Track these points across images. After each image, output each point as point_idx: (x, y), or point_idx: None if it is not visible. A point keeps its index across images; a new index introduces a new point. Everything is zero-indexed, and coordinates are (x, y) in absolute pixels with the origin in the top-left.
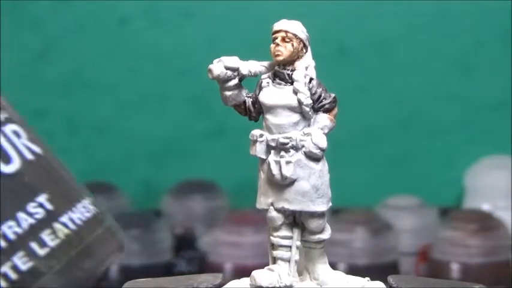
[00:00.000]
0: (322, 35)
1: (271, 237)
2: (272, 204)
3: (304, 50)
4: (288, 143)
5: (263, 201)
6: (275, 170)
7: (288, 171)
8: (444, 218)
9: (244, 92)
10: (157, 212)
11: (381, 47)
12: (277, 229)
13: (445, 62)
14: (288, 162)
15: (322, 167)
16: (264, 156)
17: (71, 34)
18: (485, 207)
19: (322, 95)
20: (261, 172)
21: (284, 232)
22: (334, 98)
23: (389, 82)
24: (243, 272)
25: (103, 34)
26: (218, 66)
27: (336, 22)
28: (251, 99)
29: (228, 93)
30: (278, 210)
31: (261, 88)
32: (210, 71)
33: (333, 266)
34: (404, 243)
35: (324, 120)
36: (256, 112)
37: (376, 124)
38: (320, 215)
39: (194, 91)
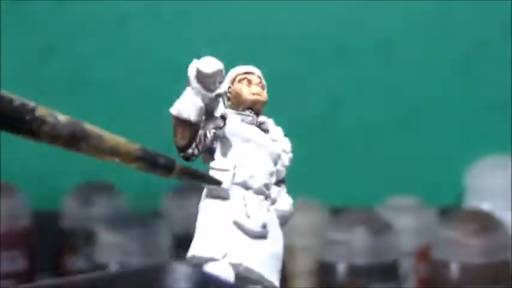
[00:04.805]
0: (322, 34)
1: None
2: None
3: None
4: (270, 189)
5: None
6: (254, 214)
7: (267, 220)
8: (444, 218)
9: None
10: (157, 212)
11: (381, 47)
12: None
13: (446, 61)
14: (268, 211)
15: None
16: (227, 187)
17: (71, 34)
18: (485, 207)
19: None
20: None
21: None
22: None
23: (390, 82)
24: None
25: (103, 34)
26: (220, 67)
27: (336, 22)
28: (214, 132)
29: (200, 103)
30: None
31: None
32: (209, 63)
33: (333, 265)
34: (404, 243)
35: (285, 191)
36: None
37: (376, 124)
38: None
39: None
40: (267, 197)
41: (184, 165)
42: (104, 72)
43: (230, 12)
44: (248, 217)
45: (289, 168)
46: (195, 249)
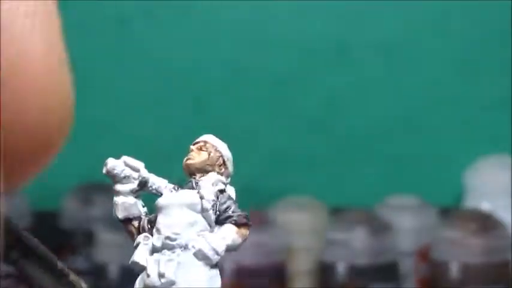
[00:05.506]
0: (322, 34)
1: None
2: None
3: (223, 169)
4: (175, 239)
5: None
6: (152, 270)
7: (167, 269)
8: (444, 218)
9: (140, 206)
10: None
11: (381, 47)
12: None
13: (446, 61)
14: (169, 260)
15: (214, 275)
16: (143, 263)
17: (71, 34)
18: (485, 206)
19: (232, 207)
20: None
21: None
22: (247, 216)
23: (390, 82)
24: (243, 272)
25: (103, 34)
26: (117, 161)
27: (336, 21)
28: (148, 218)
29: (120, 199)
30: None
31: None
32: (105, 163)
33: (333, 265)
34: (404, 243)
35: (229, 230)
36: (151, 233)
37: (376, 124)
38: None
39: (194, 91)
40: (171, 248)
41: None
42: (103, 72)
43: (230, 13)
44: (148, 276)
45: (290, 168)
46: None
